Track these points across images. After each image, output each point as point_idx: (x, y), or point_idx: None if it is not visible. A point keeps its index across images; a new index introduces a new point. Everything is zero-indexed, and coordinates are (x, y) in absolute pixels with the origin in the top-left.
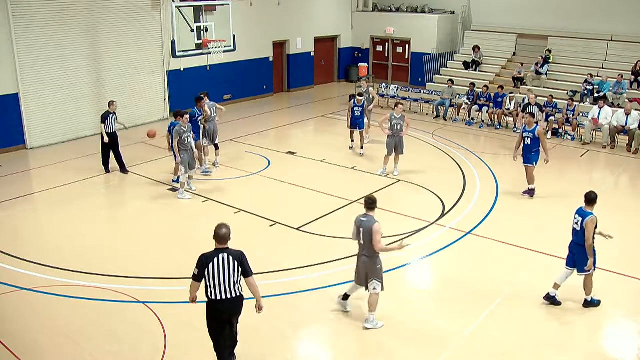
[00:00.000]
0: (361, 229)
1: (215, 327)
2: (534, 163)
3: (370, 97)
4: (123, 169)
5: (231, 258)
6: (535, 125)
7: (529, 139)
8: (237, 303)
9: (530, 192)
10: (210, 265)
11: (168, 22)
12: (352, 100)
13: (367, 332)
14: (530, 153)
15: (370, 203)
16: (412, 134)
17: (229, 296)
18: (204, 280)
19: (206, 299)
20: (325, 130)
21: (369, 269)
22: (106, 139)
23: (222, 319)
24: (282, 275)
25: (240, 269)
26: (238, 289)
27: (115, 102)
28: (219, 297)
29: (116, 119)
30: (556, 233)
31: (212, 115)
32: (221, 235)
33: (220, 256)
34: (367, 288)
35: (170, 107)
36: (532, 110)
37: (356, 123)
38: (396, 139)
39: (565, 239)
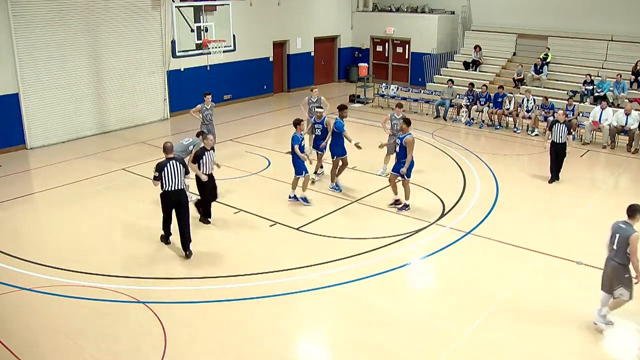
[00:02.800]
0: (617, 235)
1: (166, 210)
2: (405, 176)
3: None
4: (206, 216)
5: (177, 162)
6: (407, 133)
7: (398, 146)
8: (181, 193)
9: (403, 207)
10: (165, 168)
11: (168, 22)
12: (312, 118)
13: (367, 332)
14: (398, 162)
15: (631, 211)
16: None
17: (176, 188)
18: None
19: (161, 192)
20: None
21: (617, 276)
22: (204, 178)
23: (172, 203)
24: (282, 275)
25: (183, 169)
26: (182, 184)
27: (209, 136)
28: (169, 189)
29: (213, 156)
30: (557, 233)
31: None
32: (167, 147)
33: (171, 162)
34: (612, 294)
35: (170, 107)
36: (560, 129)
37: (317, 144)
38: (397, 139)
39: (565, 238)
